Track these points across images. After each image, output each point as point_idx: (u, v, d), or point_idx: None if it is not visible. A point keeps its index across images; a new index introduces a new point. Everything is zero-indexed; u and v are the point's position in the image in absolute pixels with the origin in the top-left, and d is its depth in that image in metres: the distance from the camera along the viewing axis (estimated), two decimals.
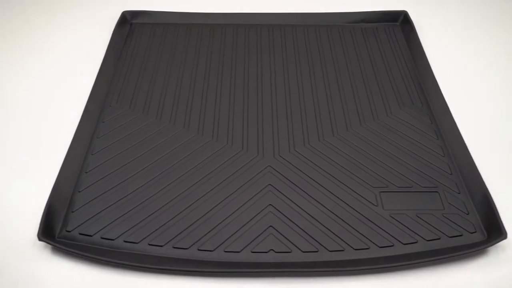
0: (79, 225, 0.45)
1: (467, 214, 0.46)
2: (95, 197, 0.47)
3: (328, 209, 0.46)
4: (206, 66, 0.63)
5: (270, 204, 0.47)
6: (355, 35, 0.68)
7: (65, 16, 0.72)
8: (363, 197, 0.48)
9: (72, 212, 0.46)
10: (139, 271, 0.42)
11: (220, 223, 0.45)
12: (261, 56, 0.65)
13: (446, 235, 0.44)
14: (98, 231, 0.44)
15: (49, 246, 0.44)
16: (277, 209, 0.46)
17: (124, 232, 0.44)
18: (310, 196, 0.48)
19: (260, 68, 0.63)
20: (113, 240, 0.44)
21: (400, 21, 0.70)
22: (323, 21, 0.70)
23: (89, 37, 0.68)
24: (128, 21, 0.70)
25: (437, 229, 0.45)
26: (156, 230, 0.45)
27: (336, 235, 0.44)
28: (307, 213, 0.46)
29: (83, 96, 0.59)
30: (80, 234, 0.44)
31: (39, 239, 0.42)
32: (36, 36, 0.68)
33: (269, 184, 0.49)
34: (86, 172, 0.50)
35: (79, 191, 0.48)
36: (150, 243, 0.44)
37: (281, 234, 0.44)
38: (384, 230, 0.45)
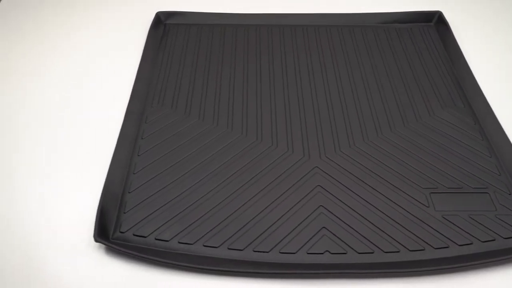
0: (133, 226, 0.45)
1: None
2: (146, 198, 0.47)
3: (379, 210, 0.46)
4: (243, 66, 0.63)
5: (321, 205, 0.47)
6: (389, 36, 0.68)
7: (99, 16, 0.72)
8: (413, 198, 0.47)
9: (124, 213, 0.46)
10: (195, 272, 0.42)
11: (272, 224, 0.45)
12: (298, 56, 0.64)
13: (501, 237, 0.44)
14: (152, 232, 0.44)
15: (102, 247, 0.44)
16: (328, 210, 0.46)
17: (178, 233, 0.44)
18: (360, 197, 0.47)
19: (298, 68, 0.63)
20: (167, 241, 0.44)
21: (434, 21, 0.70)
22: (357, 21, 0.70)
23: (124, 38, 0.68)
24: (162, 22, 0.70)
25: (491, 230, 0.45)
26: (210, 231, 0.44)
27: (390, 236, 0.44)
28: (359, 214, 0.46)
29: (123, 96, 0.59)
30: (134, 235, 0.44)
31: (96, 240, 0.42)
32: (72, 37, 0.68)
33: (318, 185, 0.49)
34: (134, 173, 0.49)
35: (129, 192, 0.48)
36: (205, 244, 0.43)
37: (334, 235, 0.44)
38: (437, 231, 0.45)
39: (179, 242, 0.44)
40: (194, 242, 0.44)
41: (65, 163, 0.51)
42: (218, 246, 0.43)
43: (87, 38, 0.68)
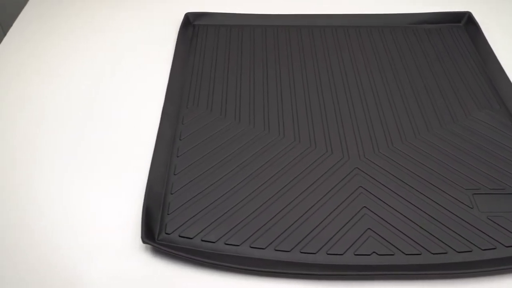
0: (178, 228, 0.45)
1: None
2: (189, 200, 0.47)
3: (423, 211, 0.46)
4: (275, 67, 0.63)
5: (365, 207, 0.47)
6: (419, 36, 0.68)
7: (126, 16, 0.72)
8: (456, 199, 0.47)
9: (168, 214, 0.46)
10: (244, 273, 0.42)
11: (317, 225, 0.45)
12: (329, 57, 0.64)
13: None
14: (198, 234, 0.44)
15: (148, 248, 0.44)
16: (372, 212, 0.46)
17: (224, 235, 0.44)
18: (403, 198, 0.47)
19: (330, 69, 0.62)
20: (214, 242, 0.44)
21: (463, 22, 0.70)
22: (386, 22, 0.70)
23: (154, 39, 0.68)
24: (191, 23, 0.70)
25: None
26: (256, 232, 0.44)
27: (436, 238, 0.44)
28: (403, 215, 0.46)
29: (157, 97, 0.59)
30: (180, 236, 0.44)
31: (143, 242, 0.42)
32: (100, 37, 0.69)
33: (360, 186, 0.48)
34: (175, 174, 0.49)
35: (171, 193, 0.48)
36: (251, 246, 0.43)
37: (380, 236, 0.44)
38: (484, 233, 0.44)
39: (225, 244, 0.44)
40: (241, 244, 0.44)
41: (102, 164, 0.51)
42: (265, 248, 0.43)
43: (116, 39, 0.68)
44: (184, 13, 0.72)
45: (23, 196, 0.48)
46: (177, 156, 0.51)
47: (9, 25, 1.02)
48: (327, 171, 0.50)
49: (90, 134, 0.55)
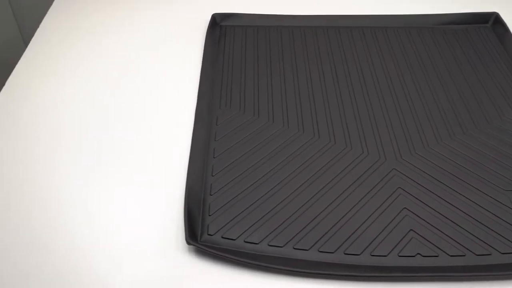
0: (220, 229, 0.45)
1: None
2: (229, 201, 0.47)
3: (464, 212, 0.46)
4: (305, 68, 0.63)
5: (405, 208, 0.47)
6: (446, 37, 0.68)
7: (154, 17, 0.72)
8: (497, 200, 0.47)
9: (209, 215, 0.46)
10: (288, 275, 0.42)
11: (359, 227, 0.45)
12: (358, 57, 0.64)
13: None
14: (240, 235, 0.44)
15: (191, 249, 0.44)
16: (413, 213, 0.46)
17: (266, 236, 0.44)
18: (443, 199, 0.47)
19: (360, 69, 0.62)
20: (257, 243, 0.44)
21: (491, 23, 0.70)
22: (412, 23, 0.70)
23: (181, 40, 0.68)
24: (218, 24, 0.70)
25: None
26: (298, 233, 0.44)
27: (479, 239, 0.44)
28: (444, 216, 0.46)
29: (188, 98, 0.59)
30: (222, 237, 0.44)
31: (188, 243, 0.42)
32: (127, 39, 0.69)
33: (399, 188, 0.48)
34: (212, 175, 0.49)
35: (211, 195, 0.48)
36: (295, 247, 0.43)
37: (423, 238, 0.44)
38: None
39: (269, 245, 0.44)
40: (284, 245, 0.44)
41: (138, 164, 0.51)
42: (309, 249, 0.43)
43: (141, 40, 0.68)
44: (210, 14, 0.72)
45: (61, 197, 0.48)
46: (214, 157, 0.51)
47: (32, 29, 1.03)
48: (364, 172, 0.50)
49: (124, 135, 0.55)
